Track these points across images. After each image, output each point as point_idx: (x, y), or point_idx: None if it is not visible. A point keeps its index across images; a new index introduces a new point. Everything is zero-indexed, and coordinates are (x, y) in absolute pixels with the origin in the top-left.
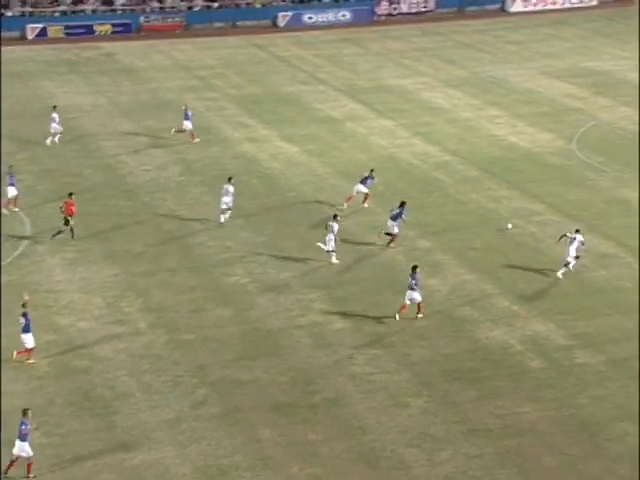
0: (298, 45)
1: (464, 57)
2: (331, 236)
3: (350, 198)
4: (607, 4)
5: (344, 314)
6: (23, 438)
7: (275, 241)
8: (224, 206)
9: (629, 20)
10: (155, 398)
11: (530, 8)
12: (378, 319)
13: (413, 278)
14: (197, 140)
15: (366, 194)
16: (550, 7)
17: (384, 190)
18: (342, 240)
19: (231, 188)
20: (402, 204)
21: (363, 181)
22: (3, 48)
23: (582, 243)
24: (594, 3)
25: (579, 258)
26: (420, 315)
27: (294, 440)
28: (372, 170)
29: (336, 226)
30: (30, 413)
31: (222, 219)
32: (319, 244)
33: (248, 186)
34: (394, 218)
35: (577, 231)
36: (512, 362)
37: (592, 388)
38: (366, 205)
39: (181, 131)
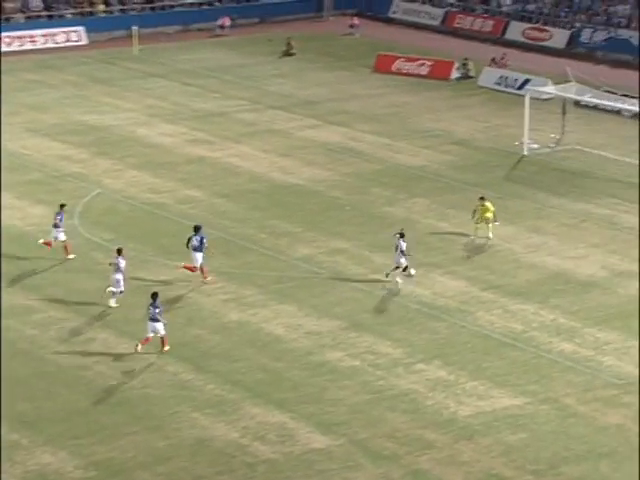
0: None
1: None
2: (119, 275)
3: (49, 244)
4: (100, 44)
5: None
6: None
7: None
8: None
9: (127, 63)
10: None
11: (5, 49)
12: None
13: (155, 307)
14: None
15: (65, 244)
16: (30, 47)
17: None
18: None
19: None
20: (197, 229)
21: (56, 225)
22: None
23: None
24: (84, 43)
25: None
26: (166, 348)
27: None
28: (63, 205)
29: (123, 262)
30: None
31: None
32: (110, 289)
33: None
34: (198, 249)
35: (401, 236)
36: None
37: None
38: (72, 257)
39: None
